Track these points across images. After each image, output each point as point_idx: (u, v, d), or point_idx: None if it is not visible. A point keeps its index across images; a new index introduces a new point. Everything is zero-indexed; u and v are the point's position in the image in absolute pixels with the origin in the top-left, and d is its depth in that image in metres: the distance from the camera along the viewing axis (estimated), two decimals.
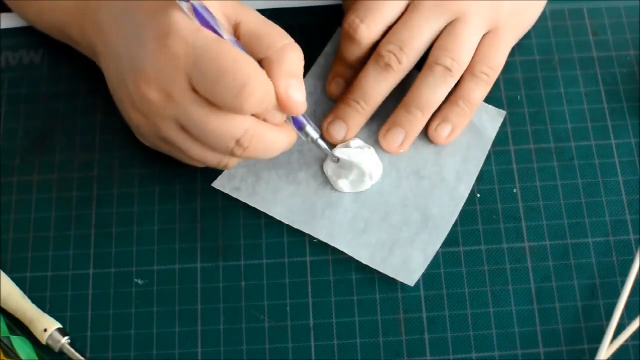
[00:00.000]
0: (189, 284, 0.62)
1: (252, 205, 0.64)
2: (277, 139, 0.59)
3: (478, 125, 0.66)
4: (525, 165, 0.65)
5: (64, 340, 0.60)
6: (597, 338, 0.59)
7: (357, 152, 0.63)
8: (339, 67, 0.66)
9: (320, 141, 0.62)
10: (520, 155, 0.66)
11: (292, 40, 0.58)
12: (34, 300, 0.61)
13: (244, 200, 0.64)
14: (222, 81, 0.55)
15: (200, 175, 0.66)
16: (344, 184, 0.64)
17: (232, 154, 0.58)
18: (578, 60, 0.69)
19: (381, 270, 0.62)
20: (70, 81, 0.69)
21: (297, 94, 0.58)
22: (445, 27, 0.63)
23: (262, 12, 0.70)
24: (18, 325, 0.61)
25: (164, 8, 0.57)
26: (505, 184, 0.65)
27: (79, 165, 0.66)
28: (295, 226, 0.63)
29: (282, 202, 0.64)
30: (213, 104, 0.56)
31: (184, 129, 0.58)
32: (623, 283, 0.60)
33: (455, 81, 0.63)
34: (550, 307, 0.61)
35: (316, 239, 0.63)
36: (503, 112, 0.66)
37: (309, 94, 0.63)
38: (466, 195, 0.64)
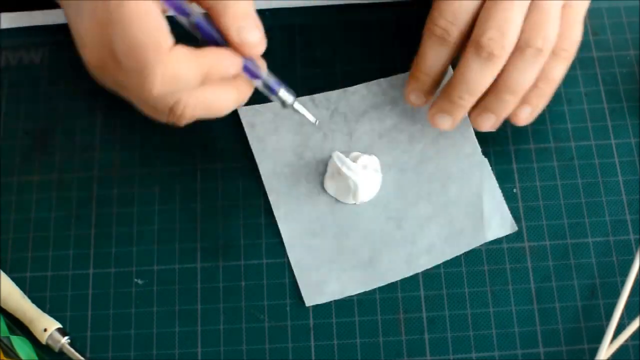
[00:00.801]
0: (189, 284, 0.62)
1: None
2: (222, 97, 0.57)
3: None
4: (525, 165, 0.65)
5: (64, 340, 0.60)
6: (597, 338, 0.59)
7: (354, 166, 0.63)
8: (418, 75, 0.63)
9: (297, 105, 0.59)
10: (520, 155, 0.66)
11: None
12: (34, 300, 0.61)
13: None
14: (129, 59, 0.53)
15: (200, 175, 0.66)
16: (347, 199, 0.64)
17: (170, 120, 0.57)
18: (578, 60, 0.69)
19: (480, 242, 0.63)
20: (70, 81, 0.69)
21: (251, 35, 0.55)
22: (530, 3, 0.60)
23: (262, 12, 0.70)
24: (18, 325, 0.61)
25: None
26: (505, 184, 0.65)
27: (79, 165, 0.66)
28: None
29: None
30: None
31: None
32: (623, 283, 0.60)
33: (545, 60, 0.61)
34: (550, 307, 0.61)
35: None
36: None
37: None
38: (479, 150, 0.65)
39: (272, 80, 0.58)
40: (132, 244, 0.64)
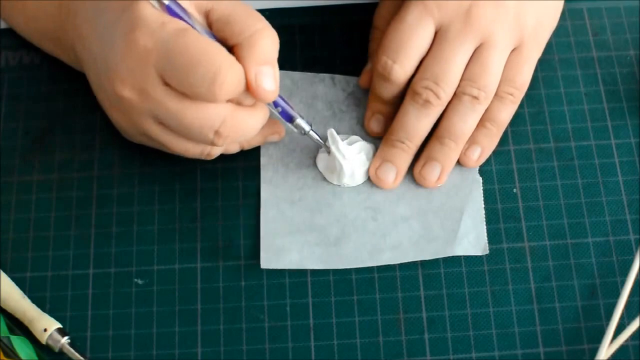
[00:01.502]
0: (189, 284, 0.62)
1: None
2: (254, 121, 0.59)
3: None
4: (525, 165, 0.65)
5: (64, 340, 0.60)
6: (597, 338, 0.59)
7: (345, 148, 0.63)
8: (375, 105, 0.65)
9: (312, 133, 0.62)
10: (520, 155, 0.66)
11: (266, 24, 0.57)
12: (34, 300, 0.61)
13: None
14: (193, 72, 0.54)
15: (200, 175, 0.66)
16: (332, 178, 0.64)
17: (212, 143, 0.58)
18: (578, 60, 0.69)
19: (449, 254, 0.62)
20: (70, 81, 0.69)
21: (267, 82, 0.57)
22: (474, 52, 0.62)
23: (262, 12, 0.70)
24: (18, 325, 0.61)
25: (131, 4, 0.56)
26: (505, 184, 0.65)
27: (79, 165, 0.66)
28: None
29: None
30: (187, 96, 0.56)
31: (162, 123, 0.58)
32: (623, 283, 0.60)
33: (485, 108, 0.63)
34: (550, 307, 0.61)
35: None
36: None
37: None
38: (477, 170, 0.65)
39: (288, 109, 0.61)
40: (132, 244, 0.64)
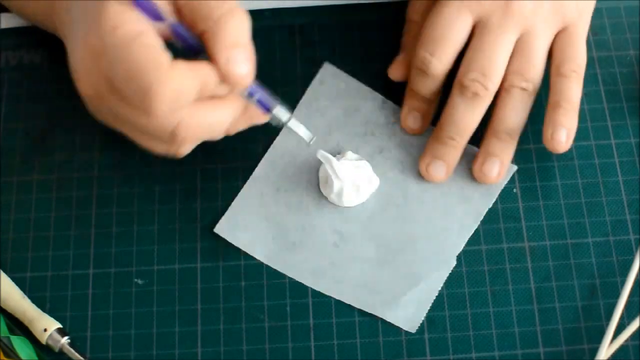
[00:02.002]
0: (189, 284, 0.62)
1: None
2: (221, 116, 0.55)
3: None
4: (525, 165, 0.65)
5: (64, 340, 0.60)
6: (597, 338, 0.59)
7: (346, 164, 0.63)
8: (412, 101, 0.65)
9: (292, 122, 0.58)
10: (520, 155, 0.66)
11: (233, 4, 0.54)
12: (34, 300, 0.61)
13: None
14: (128, 86, 0.53)
15: (200, 175, 0.66)
16: (324, 188, 0.64)
17: (172, 144, 0.56)
18: None
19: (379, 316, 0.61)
20: (70, 81, 0.69)
21: (239, 67, 0.53)
22: (516, 43, 0.62)
23: (262, 12, 0.71)
24: (18, 325, 0.61)
25: (98, 2, 0.54)
26: (505, 183, 0.65)
27: (79, 165, 0.66)
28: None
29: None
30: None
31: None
32: (623, 283, 0.60)
33: (534, 97, 0.63)
34: (550, 307, 0.61)
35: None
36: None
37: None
38: (458, 251, 0.62)
39: (265, 98, 0.57)
40: (132, 244, 0.64)
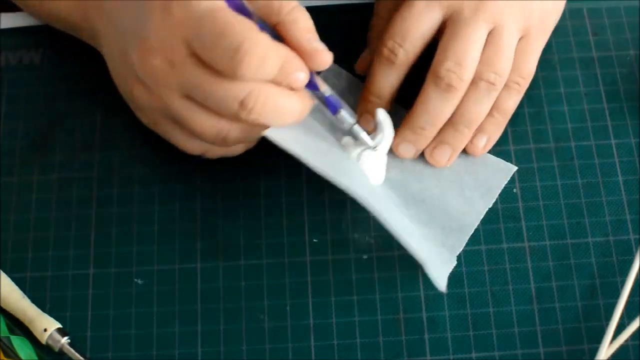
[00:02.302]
0: (189, 284, 0.62)
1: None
2: (288, 104, 0.57)
3: (486, 180, 0.64)
4: (525, 165, 0.65)
5: (64, 340, 0.60)
6: (597, 338, 0.59)
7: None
8: (366, 104, 0.64)
9: (356, 127, 0.61)
10: (520, 155, 0.66)
11: (297, 2, 0.58)
12: (34, 300, 0.61)
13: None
14: (218, 44, 0.54)
15: (200, 175, 0.66)
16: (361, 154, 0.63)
17: (237, 118, 0.57)
18: (578, 60, 0.69)
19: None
20: (70, 81, 0.69)
21: (321, 45, 0.57)
22: (487, 37, 0.62)
23: None
24: (18, 325, 0.61)
25: None
26: (505, 183, 0.65)
27: (79, 165, 0.66)
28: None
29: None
30: (215, 69, 0.56)
31: (187, 97, 0.58)
32: (623, 283, 0.60)
33: (498, 93, 0.63)
34: (550, 307, 0.61)
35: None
36: (514, 167, 0.64)
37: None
38: (458, 251, 0.62)
39: (333, 99, 0.60)
40: (132, 244, 0.64)
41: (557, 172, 0.65)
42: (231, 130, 0.59)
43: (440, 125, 0.63)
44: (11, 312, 0.61)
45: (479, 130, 0.64)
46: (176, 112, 0.59)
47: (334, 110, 0.60)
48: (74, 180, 0.66)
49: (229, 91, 0.56)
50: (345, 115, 0.60)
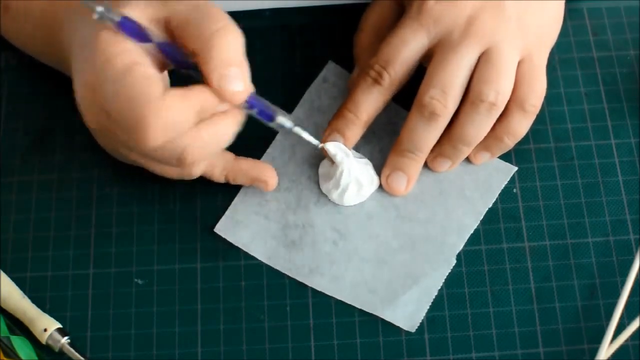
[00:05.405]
0: (189, 284, 0.62)
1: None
2: (224, 130, 0.56)
3: (486, 180, 0.64)
4: (525, 165, 0.65)
5: (64, 340, 0.60)
6: (597, 338, 0.59)
7: (352, 161, 0.63)
8: (345, 113, 0.63)
9: (297, 129, 0.59)
10: (520, 155, 0.66)
11: (226, 22, 0.54)
12: (34, 300, 0.61)
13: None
14: (124, 117, 0.53)
15: (200, 175, 0.66)
16: (324, 186, 0.64)
17: (183, 168, 0.58)
18: (578, 60, 0.69)
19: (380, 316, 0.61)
20: (70, 81, 0.69)
21: (233, 84, 0.54)
22: (480, 58, 0.61)
23: (262, 12, 0.71)
24: (18, 325, 0.61)
25: (94, 33, 0.55)
26: (505, 183, 0.65)
27: (79, 165, 0.66)
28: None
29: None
30: None
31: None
32: (623, 283, 0.60)
33: (500, 111, 0.61)
34: (550, 307, 0.61)
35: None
36: (514, 167, 0.65)
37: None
38: (458, 250, 0.62)
39: (265, 110, 0.58)
40: (132, 244, 0.64)
41: (557, 172, 0.65)
42: (192, 168, 0.59)
43: (427, 150, 0.63)
44: (11, 312, 0.61)
45: (484, 148, 0.63)
46: (133, 161, 0.59)
47: (269, 119, 0.58)
48: (74, 180, 0.66)
49: (162, 154, 0.55)
50: (283, 119, 0.58)
